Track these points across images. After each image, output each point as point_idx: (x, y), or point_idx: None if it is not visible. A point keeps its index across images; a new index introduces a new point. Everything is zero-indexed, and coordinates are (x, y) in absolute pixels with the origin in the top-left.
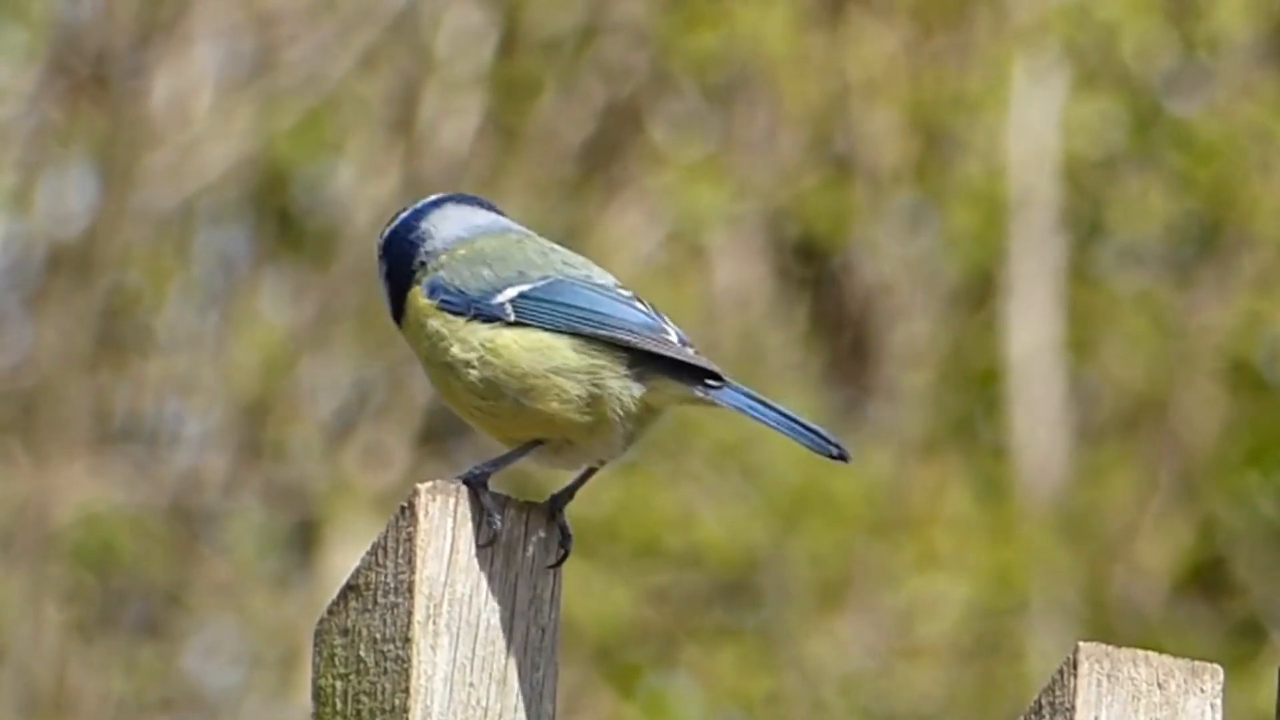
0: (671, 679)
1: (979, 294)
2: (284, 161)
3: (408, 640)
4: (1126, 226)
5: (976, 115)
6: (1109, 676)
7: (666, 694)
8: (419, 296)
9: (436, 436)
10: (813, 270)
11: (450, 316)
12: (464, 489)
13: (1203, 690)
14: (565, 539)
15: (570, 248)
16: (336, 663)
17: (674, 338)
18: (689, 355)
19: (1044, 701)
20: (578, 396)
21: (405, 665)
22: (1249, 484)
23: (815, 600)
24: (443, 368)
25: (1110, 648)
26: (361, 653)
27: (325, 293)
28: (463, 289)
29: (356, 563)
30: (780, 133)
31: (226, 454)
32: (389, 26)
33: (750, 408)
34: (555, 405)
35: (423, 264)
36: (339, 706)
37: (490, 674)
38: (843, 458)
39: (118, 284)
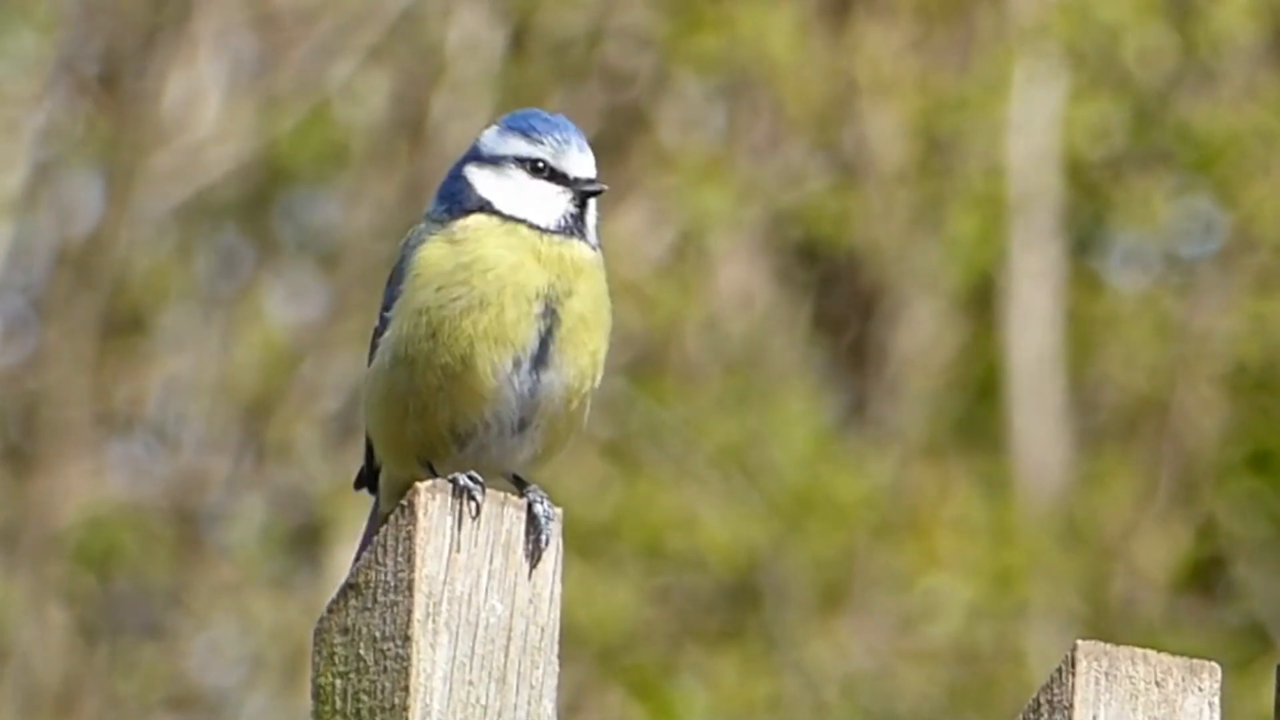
0: (674, 681)
1: (981, 297)
2: (287, 162)
3: (407, 638)
4: (1128, 229)
5: (978, 117)
6: (1107, 675)
7: (668, 695)
8: None
9: None
10: (816, 272)
11: None
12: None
13: (1200, 688)
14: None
15: None
16: (336, 661)
17: None
18: None
19: (1042, 700)
20: None
21: (405, 663)
22: (1249, 487)
23: (817, 602)
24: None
25: (1108, 646)
26: (361, 651)
27: (327, 293)
28: None
29: (351, 561)
30: (784, 135)
31: (229, 454)
32: (394, 28)
33: None
34: None
35: None
36: (339, 705)
37: (490, 672)
38: None
39: (122, 284)
